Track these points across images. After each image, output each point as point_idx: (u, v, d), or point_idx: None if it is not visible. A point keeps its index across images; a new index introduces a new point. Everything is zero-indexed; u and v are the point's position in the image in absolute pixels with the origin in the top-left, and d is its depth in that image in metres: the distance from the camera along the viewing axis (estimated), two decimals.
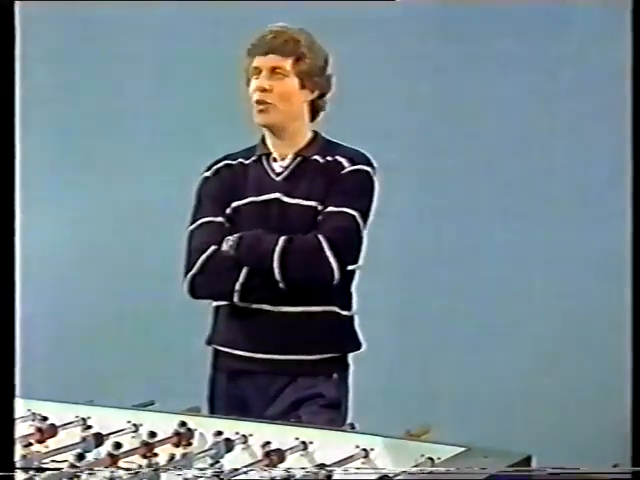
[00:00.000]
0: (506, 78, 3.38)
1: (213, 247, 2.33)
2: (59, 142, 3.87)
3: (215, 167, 2.48)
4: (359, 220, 2.33)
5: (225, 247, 2.32)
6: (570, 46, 3.31)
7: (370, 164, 2.40)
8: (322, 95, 2.45)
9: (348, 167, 2.37)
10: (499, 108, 3.39)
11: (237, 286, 2.30)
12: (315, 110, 2.46)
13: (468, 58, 3.41)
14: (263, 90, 2.36)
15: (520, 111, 3.38)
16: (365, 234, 2.38)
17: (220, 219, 2.39)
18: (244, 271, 2.30)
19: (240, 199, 2.41)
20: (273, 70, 2.36)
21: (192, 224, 2.41)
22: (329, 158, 2.40)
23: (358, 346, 2.44)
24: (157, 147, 3.76)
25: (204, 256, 2.33)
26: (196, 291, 2.35)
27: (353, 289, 2.44)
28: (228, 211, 2.41)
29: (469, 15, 3.37)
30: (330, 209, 2.33)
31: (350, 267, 2.36)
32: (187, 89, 3.66)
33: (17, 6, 1.41)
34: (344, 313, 2.41)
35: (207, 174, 2.48)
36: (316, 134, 2.47)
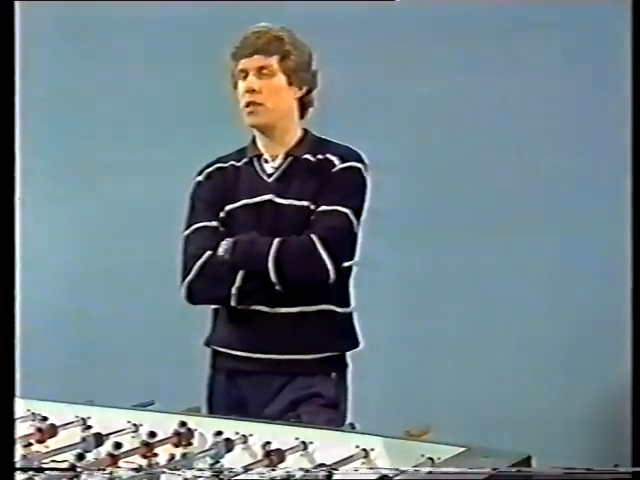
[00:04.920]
0: (506, 78, 3.38)
1: (208, 252, 2.33)
2: (59, 143, 3.87)
3: (207, 171, 2.48)
4: (352, 218, 2.33)
5: (220, 252, 2.33)
6: (570, 46, 3.31)
7: (361, 160, 2.40)
8: (310, 91, 2.45)
9: (339, 165, 2.37)
10: (499, 108, 3.39)
11: (233, 290, 2.30)
12: (304, 107, 2.46)
13: (468, 58, 3.41)
14: (252, 91, 2.36)
15: (519, 112, 3.38)
16: (363, 231, 2.38)
17: (214, 224, 2.40)
18: (240, 275, 2.30)
19: (233, 202, 2.41)
20: (260, 70, 2.37)
21: (187, 229, 2.41)
22: (320, 156, 2.40)
23: (356, 344, 2.44)
24: (157, 148, 3.75)
25: (200, 262, 2.33)
26: (193, 297, 2.36)
27: (351, 287, 2.45)
28: (222, 215, 2.41)
29: (469, 15, 3.37)
30: (322, 208, 2.33)
31: (345, 264, 2.36)
32: (187, 89, 3.66)
33: (17, 6, 1.41)
34: (341, 311, 2.41)
35: (199, 178, 2.48)
36: (306, 132, 2.47)
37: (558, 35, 3.33)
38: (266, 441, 1.79)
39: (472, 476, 1.47)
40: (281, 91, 2.39)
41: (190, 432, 1.88)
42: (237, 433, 1.82)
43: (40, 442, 1.86)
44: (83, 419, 1.97)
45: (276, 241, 2.28)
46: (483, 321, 3.37)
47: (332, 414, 2.34)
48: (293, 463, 1.72)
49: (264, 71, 2.37)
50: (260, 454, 1.76)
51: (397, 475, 1.54)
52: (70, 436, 1.89)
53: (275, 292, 2.29)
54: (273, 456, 1.72)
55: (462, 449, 1.63)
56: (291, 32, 2.41)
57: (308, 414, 2.24)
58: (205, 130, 3.51)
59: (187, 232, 2.41)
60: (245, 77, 2.38)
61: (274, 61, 2.37)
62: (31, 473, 1.58)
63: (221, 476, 1.61)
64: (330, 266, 2.28)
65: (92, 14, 3.78)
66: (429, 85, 3.43)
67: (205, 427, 1.88)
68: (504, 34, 3.36)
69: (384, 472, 1.56)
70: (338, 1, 3.34)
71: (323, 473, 1.60)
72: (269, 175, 2.42)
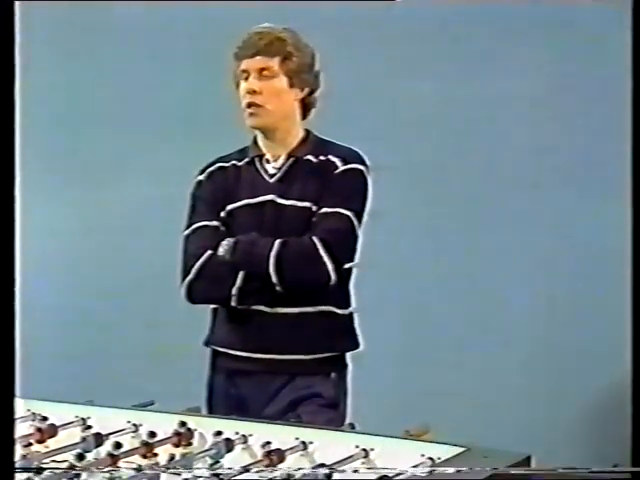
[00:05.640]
0: (506, 78, 3.38)
1: (209, 252, 2.33)
2: (59, 143, 3.87)
3: (208, 170, 2.48)
4: (353, 220, 2.33)
5: (221, 252, 2.32)
6: (570, 45, 3.31)
7: (363, 162, 2.40)
8: (312, 92, 2.45)
9: (341, 167, 2.37)
10: (498, 108, 3.39)
11: (234, 290, 2.30)
12: (306, 108, 2.46)
13: (468, 58, 3.41)
14: (253, 92, 2.36)
15: (520, 112, 3.38)
16: (362, 233, 2.38)
17: (215, 223, 2.39)
18: (240, 275, 2.30)
19: (234, 202, 2.41)
20: (261, 71, 2.36)
21: (187, 228, 2.41)
22: (322, 158, 2.40)
23: (356, 345, 2.44)
24: (158, 148, 3.75)
25: (200, 262, 2.33)
26: (193, 297, 2.36)
27: (351, 288, 2.45)
28: (223, 214, 2.41)
29: (469, 15, 3.37)
30: (324, 210, 2.33)
31: (346, 266, 2.36)
32: (189, 89, 3.66)
33: (17, 6, 1.41)
34: (341, 312, 2.41)
35: (200, 177, 2.48)
36: (308, 133, 2.47)
37: (558, 35, 3.33)
38: (266, 441, 1.79)
39: (472, 476, 1.47)
40: (282, 93, 2.38)
41: (190, 432, 1.87)
42: (237, 433, 1.82)
43: (40, 442, 1.86)
44: (83, 419, 1.97)
45: (277, 242, 2.28)
46: (483, 321, 3.37)
47: (332, 414, 2.34)
48: (293, 463, 1.72)
49: (265, 72, 2.37)
50: (260, 454, 1.76)
51: (397, 475, 1.54)
52: (70, 436, 1.89)
53: (275, 293, 2.29)
54: (273, 456, 1.71)
55: (462, 449, 1.63)
56: (294, 33, 2.40)
57: (308, 414, 2.24)
58: (207, 129, 3.50)
59: (187, 231, 2.41)
60: (246, 78, 2.38)
61: (275, 62, 2.36)
62: (31, 473, 1.58)
63: (221, 476, 1.61)
64: (331, 268, 2.28)
65: (94, 13, 3.78)
66: (429, 85, 3.43)
67: (205, 427, 1.88)
68: (504, 34, 3.36)
69: (384, 472, 1.56)
70: (338, 1, 3.34)
71: (323, 473, 1.60)
72: (271, 175, 2.42)
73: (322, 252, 2.27)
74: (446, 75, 3.43)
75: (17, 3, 1.42)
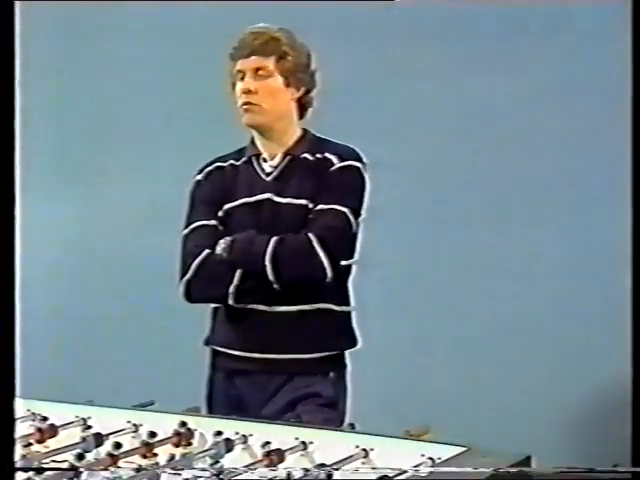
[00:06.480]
0: (506, 78, 3.38)
1: (206, 251, 2.34)
2: (59, 143, 3.87)
3: (206, 170, 2.49)
4: (350, 217, 2.34)
5: (218, 250, 2.33)
6: (570, 46, 3.31)
7: (360, 160, 2.40)
8: (308, 92, 2.45)
9: (337, 164, 2.38)
10: (498, 108, 3.39)
11: (231, 289, 2.31)
12: (303, 107, 2.46)
13: (468, 58, 3.41)
14: (248, 92, 2.37)
15: (519, 111, 3.38)
16: (362, 230, 2.39)
17: (213, 222, 2.40)
18: (238, 273, 2.31)
19: (232, 201, 2.42)
20: (257, 71, 2.37)
21: (186, 228, 2.42)
22: (318, 155, 2.40)
23: (354, 343, 2.45)
24: (158, 148, 3.76)
25: (198, 260, 2.33)
26: (192, 295, 2.36)
27: (350, 286, 2.45)
28: (220, 214, 2.42)
29: (469, 15, 3.37)
30: (320, 207, 2.33)
31: (344, 262, 2.36)
32: (188, 89, 3.66)
33: (17, 6, 1.41)
34: (340, 310, 2.41)
35: (199, 177, 2.49)
36: (305, 132, 2.47)
37: (558, 35, 3.32)
38: (266, 441, 1.79)
39: (472, 476, 1.47)
40: (278, 92, 2.39)
41: (190, 432, 1.87)
42: (237, 433, 1.82)
43: (40, 442, 1.86)
44: (83, 419, 1.97)
45: (273, 240, 2.29)
46: (483, 320, 3.37)
47: (331, 413, 2.34)
48: (293, 463, 1.72)
49: (261, 72, 2.37)
50: (260, 454, 1.76)
51: (397, 475, 1.54)
52: (70, 436, 1.89)
53: (273, 291, 2.30)
54: (273, 456, 1.71)
55: (462, 449, 1.63)
56: (290, 33, 2.41)
57: (306, 413, 2.25)
58: (205, 130, 3.51)
59: (186, 231, 2.42)
60: (242, 78, 2.39)
61: (271, 62, 2.37)
62: (31, 473, 1.58)
63: (221, 476, 1.61)
64: (327, 265, 2.28)
65: (92, 14, 3.78)
66: (429, 85, 3.43)
67: (205, 427, 1.88)
68: (504, 34, 3.36)
69: (384, 472, 1.56)
70: (338, 1, 3.34)
71: (323, 473, 1.60)
72: (268, 174, 2.43)
73: (318, 248, 2.27)
74: (446, 75, 3.43)
75: (17, 3, 1.42)
